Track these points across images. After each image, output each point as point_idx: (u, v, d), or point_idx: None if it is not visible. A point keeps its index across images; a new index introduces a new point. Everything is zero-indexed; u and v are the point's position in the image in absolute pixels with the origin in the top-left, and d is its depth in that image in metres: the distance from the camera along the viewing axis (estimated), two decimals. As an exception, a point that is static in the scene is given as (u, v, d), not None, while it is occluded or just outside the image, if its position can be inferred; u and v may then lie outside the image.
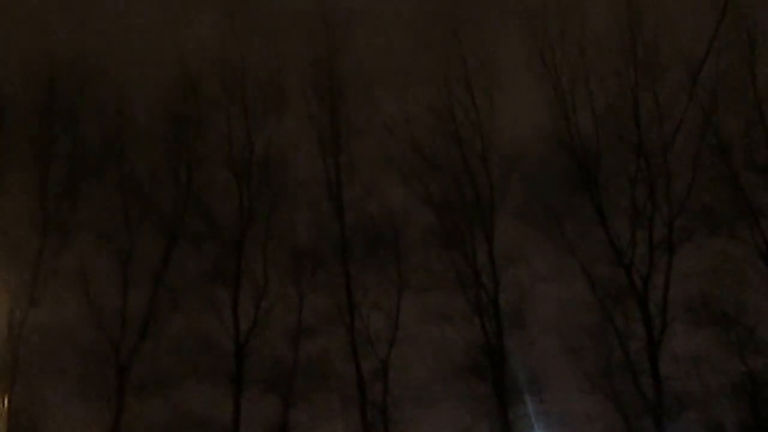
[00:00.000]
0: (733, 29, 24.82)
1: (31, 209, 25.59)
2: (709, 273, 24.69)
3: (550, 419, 26.21)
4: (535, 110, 26.54)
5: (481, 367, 25.95)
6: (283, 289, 26.71)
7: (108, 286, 25.86)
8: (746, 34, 24.93)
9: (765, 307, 24.35)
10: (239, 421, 25.15)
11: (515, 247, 26.48)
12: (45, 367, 24.58)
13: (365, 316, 26.73)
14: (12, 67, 27.09)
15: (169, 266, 26.19)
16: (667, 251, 25.22)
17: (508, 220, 26.89)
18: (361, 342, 26.39)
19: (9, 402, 23.80)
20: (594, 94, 26.50)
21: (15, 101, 26.74)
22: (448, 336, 26.09)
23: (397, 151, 27.70)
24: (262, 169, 27.61)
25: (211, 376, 25.51)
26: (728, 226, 25.05)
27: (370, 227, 27.56)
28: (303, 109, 28.44)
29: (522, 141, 26.82)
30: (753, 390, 24.59)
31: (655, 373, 24.42)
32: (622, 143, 26.13)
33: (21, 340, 24.37)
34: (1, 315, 24.22)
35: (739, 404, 25.12)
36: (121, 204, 26.63)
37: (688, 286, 24.97)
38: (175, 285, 26.22)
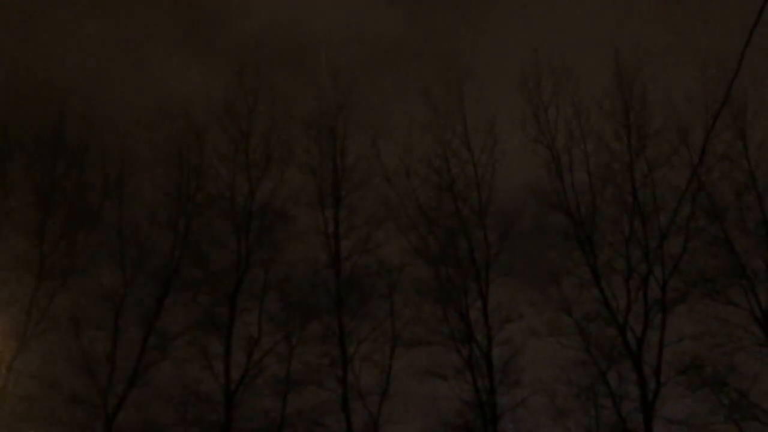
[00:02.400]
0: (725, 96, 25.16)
1: (27, 252, 25.51)
2: (703, 336, 24.66)
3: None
4: (531, 169, 26.90)
5: (473, 424, 25.70)
6: (275, 339, 26.60)
7: (99, 331, 25.71)
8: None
9: (759, 371, 24.21)
10: (226, 474, 24.81)
11: (509, 304, 26.51)
12: (31, 413, 24.21)
13: (357, 370, 26.60)
14: (20, 113, 27.46)
15: (161, 314, 26.03)
16: (660, 312, 25.21)
17: (503, 276, 26.97)
18: (352, 396, 26.18)
19: (-7, 447, 23.43)
20: (588, 155, 26.79)
21: (20, 144, 26.97)
22: (440, 392, 25.98)
23: (396, 203, 27.98)
24: (261, 221, 27.62)
25: (200, 426, 25.25)
26: (722, 290, 25.07)
27: (365, 280, 27.59)
28: (302, 161, 28.71)
29: (518, 198, 27.14)
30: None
31: (649, 434, 24.15)
32: (616, 204, 26.32)
33: (8, 384, 24.01)
34: (-11, 358, 24.03)
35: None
36: (117, 249, 26.57)
37: (681, 349, 24.97)
38: (167, 333, 26.10)
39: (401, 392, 26.37)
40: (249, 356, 26.20)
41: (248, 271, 27.04)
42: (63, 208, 26.52)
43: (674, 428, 24.60)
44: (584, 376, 25.61)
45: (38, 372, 24.56)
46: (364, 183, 28.40)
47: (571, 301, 26.01)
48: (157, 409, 25.35)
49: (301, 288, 27.27)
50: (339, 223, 28.10)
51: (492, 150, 27.96)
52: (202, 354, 25.95)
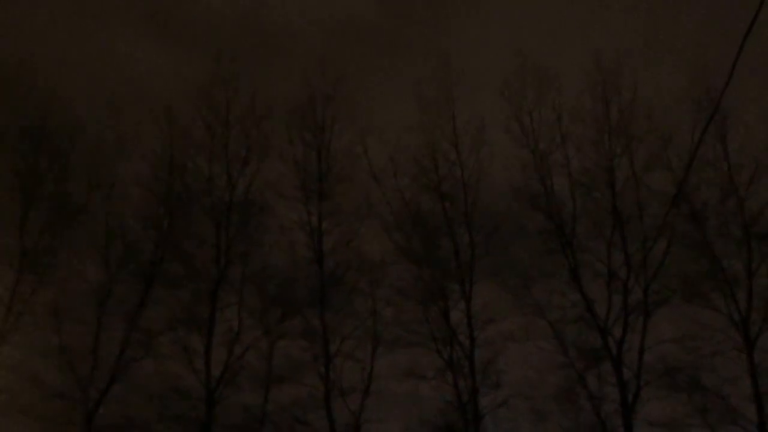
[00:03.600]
0: (705, 101, 25.43)
1: (8, 245, 25.43)
2: (683, 339, 24.87)
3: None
4: (514, 172, 27.02)
5: (454, 425, 25.77)
6: (256, 335, 26.62)
7: (81, 326, 25.65)
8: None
9: (738, 375, 24.42)
10: (206, 470, 24.80)
11: (491, 306, 26.60)
12: (10, 407, 24.10)
13: (339, 367, 26.64)
14: (3, 107, 27.35)
15: (144, 310, 26.01)
16: (641, 316, 25.38)
17: (485, 278, 27.04)
18: (334, 393, 26.22)
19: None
20: (570, 159, 26.99)
21: (4, 137, 26.87)
22: (422, 392, 26.08)
23: (381, 201, 28.01)
24: (241, 214, 27.61)
25: (180, 422, 25.19)
26: (702, 294, 25.29)
27: (348, 277, 27.63)
28: (287, 154, 28.66)
29: (502, 201, 27.26)
30: (724, 459, 24.55)
31: (629, 437, 24.31)
32: (598, 208, 26.48)
33: (-13, 377, 23.99)
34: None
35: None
36: (102, 245, 26.50)
37: (661, 352, 25.17)
38: (149, 328, 26.04)
39: (383, 391, 26.47)
40: (230, 352, 26.19)
41: (229, 266, 27.02)
42: (45, 202, 26.39)
43: (654, 430, 24.82)
44: (564, 378, 25.77)
45: (18, 366, 24.52)
46: (348, 178, 28.38)
47: (552, 304, 26.16)
48: (137, 404, 25.35)
49: (282, 283, 27.24)
50: (322, 217, 28.10)
51: (479, 152, 28.06)
52: (183, 350, 25.90)
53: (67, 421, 24.76)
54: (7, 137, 26.81)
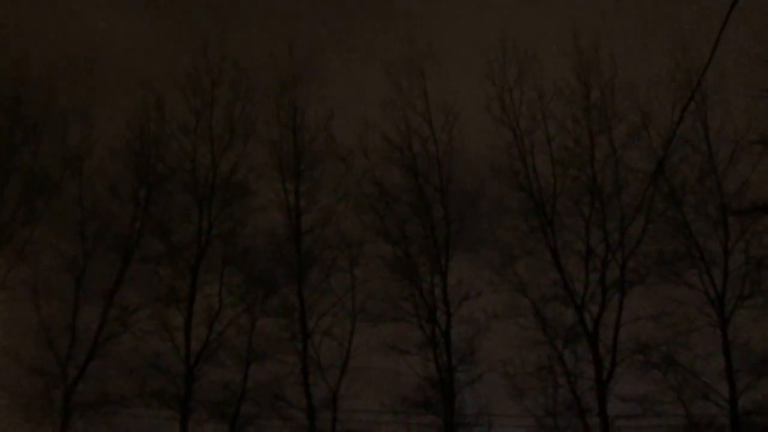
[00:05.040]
0: (687, 80, 25.43)
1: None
2: (659, 317, 25.14)
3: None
4: (494, 150, 26.95)
5: (431, 400, 26.06)
6: (236, 312, 26.69)
7: (59, 302, 25.64)
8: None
9: (712, 352, 24.75)
10: (185, 446, 25.00)
11: (469, 282, 26.73)
12: (-12, 383, 24.18)
13: (317, 343, 26.80)
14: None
15: (122, 286, 25.99)
16: (618, 293, 25.60)
17: (463, 255, 27.15)
18: (313, 369, 26.42)
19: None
20: (550, 137, 26.93)
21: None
22: (400, 367, 26.26)
23: (356, 181, 27.92)
24: (223, 193, 27.54)
25: (159, 397, 25.33)
26: (679, 272, 25.52)
27: (326, 254, 27.68)
28: (263, 134, 28.54)
29: (480, 179, 27.23)
30: (695, 433, 25.02)
31: (603, 412, 24.65)
32: (577, 186, 26.54)
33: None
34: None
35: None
36: (78, 220, 26.37)
37: (637, 329, 25.44)
38: (128, 305, 26.07)
39: (361, 367, 26.71)
40: (210, 328, 26.29)
41: (210, 244, 26.99)
42: (21, 177, 26.16)
43: (628, 406, 25.18)
44: (541, 355, 26.04)
45: (-4, 342, 24.48)
46: (323, 157, 28.31)
47: (530, 282, 26.31)
48: (117, 380, 25.50)
49: (262, 261, 27.27)
50: (300, 196, 28.05)
51: (452, 128, 27.97)
52: (163, 326, 25.98)
53: (46, 397, 24.87)
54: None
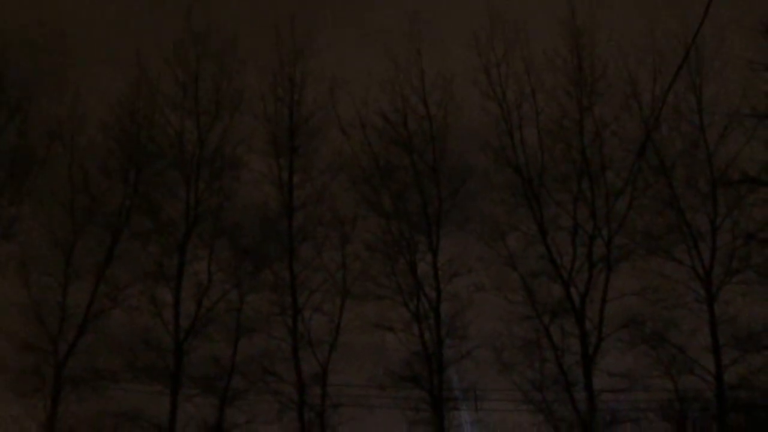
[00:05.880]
0: (678, 51, 25.20)
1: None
2: (646, 292, 25.21)
3: (484, 429, 26.71)
4: (482, 125, 26.84)
5: (419, 375, 26.26)
6: (225, 287, 26.83)
7: (49, 279, 25.78)
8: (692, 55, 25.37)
9: (698, 327, 24.87)
10: (175, 420, 25.30)
11: (458, 258, 26.80)
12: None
13: (307, 319, 26.97)
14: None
15: (111, 262, 26.10)
16: (605, 269, 25.64)
17: (452, 231, 27.17)
18: (302, 345, 26.62)
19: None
20: (538, 111, 26.80)
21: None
22: (389, 343, 26.48)
23: (350, 155, 27.84)
24: (212, 167, 27.53)
25: (149, 373, 25.57)
26: (666, 247, 25.53)
27: (318, 231, 27.74)
28: (257, 109, 28.38)
29: (470, 154, 27.18)
30: (680, 408, 25.22)
31: (589, 386, 24.86)
32: (565, 160, 26.46)
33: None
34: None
35: (667, 421, 25.81)
36: (67, 197, 26.41)
37: (624, 304, 25.51)
38: (117, 281, 26.21)
39: (351, 342, 26.87)
40: (199, 304, 26.45)
41: (198, 219, 27.04)
42: (8, 154, 26.15)
43: (614, 380, 25.33)
44: (529, 330, 26.14)
45: (-14, 318, 24.68)
46: (319, 133, 28.18)
47: (518, 257, 26.34)
48: (107, 356, 25.65)
49: (252, 236, 27.31)
50: (293, 172, 28.00)
51: (447, 105, 27.83)
52: (152, 302, 26.15)
53: (36, 373, 25.11)
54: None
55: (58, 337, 25.26)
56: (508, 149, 26.70)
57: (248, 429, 26.25)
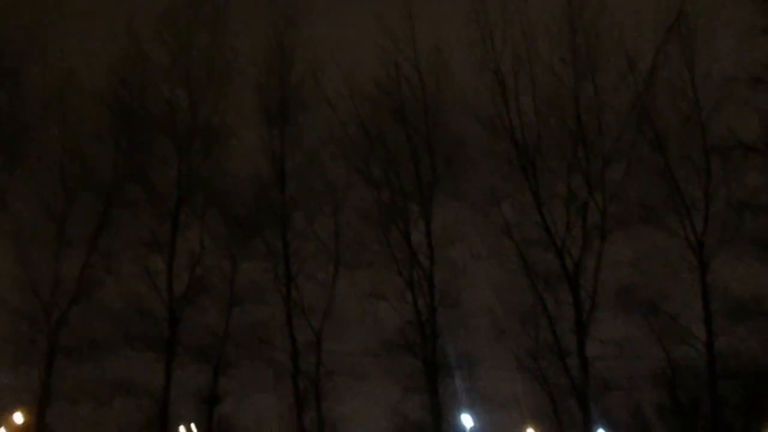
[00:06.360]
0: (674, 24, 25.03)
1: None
2: (639, 261, 25.26)
3: (478, 396, 26.90)
4: (479, 93, 26.66)
5: (413, 343, 26.39)
6: (218, 257, 26.82)
7: (42, 248, 25.66)
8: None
9: (690, 297, 24.98)
10: (170, 388, 25.38)
11: (452, 226, 26.80)
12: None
13: (301, 288, 26.98)
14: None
15: (104, 231, 26.01)
16: (599, 237, 25.69)
17: (446, 199, 27.13)
18: (296, 313, 26.67)
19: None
20: (534, 80, 26.59)
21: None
22: (382, 312, 26.54)
23: (341, 126, 27.65)
24: (203, 137, 27.35)
25: (143, 341, 25.61)
26: (660, 217, 25.56)
27: (311, 200, 27.65)
28: (249, 80, 28.20)
29: (464, 123, 27.01)
30: (672, 375, 25.45)
31: (582, 354, 25.01)
32: (561, 129, 26.36)
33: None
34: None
35: (658, 389, 26.06)
36: (58, 166, 26.22)
37: (617, 273, 25.57)
38: (110, 250, 26.10)
39: (345, 311, 26.97)
40: (192, 272, 26.44)
41: (190, 188, 26.94)
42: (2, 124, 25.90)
43: (607, 348, 25.48)
44: (523, 298, 26.23)
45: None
46: (311, 103, 27.95)
47: (512, 226, 26.32)
48: (100, 325, 25.62)
49: (243, 205, 27.25)
50: (284, 141, 27.85)
51: (440, 74, 27.59)
52: (145, 271, 26.11)
53: (30, 341, 25.10)
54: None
55: (51, 306, 25.17)
56: (503, 117, 26.51)
57: (242, 397, 26.38)
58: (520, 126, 26.50)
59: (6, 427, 26.32)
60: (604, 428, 26.34)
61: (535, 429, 29.04)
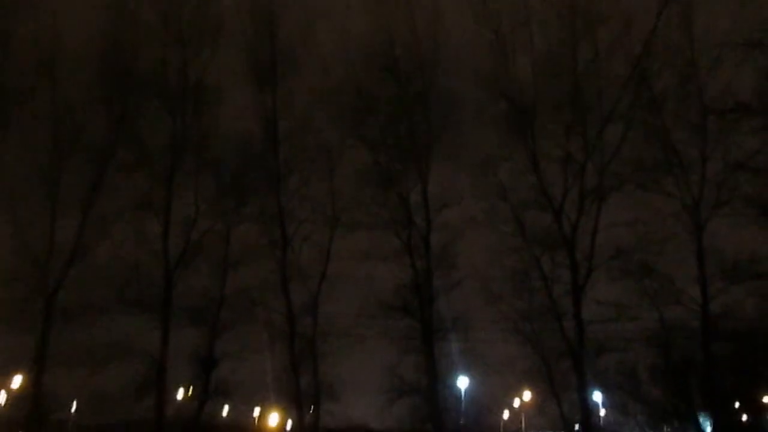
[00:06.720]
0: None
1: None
2: (635, 224, 25.23)
3: (473, 358, 27.10)
4: (476, 54, 26.36)
5: (409, 305, 26.46)
6: (213, 219, 26.69)
7: (36, 212, 25.51)
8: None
9: (685, 258, 24.99)
10: (167, 350, 25.41)
11: (449, 188, 26.74)
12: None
13: (297, 250, 26.93)
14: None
15: (98, 194, 25.83)
16: (596, 199, 25.62)
17: (443, 162, 27.00)
18: (292, 275, 26.65)
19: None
20: (533, 40, 26.31)
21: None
22: (378, 273, 26.56)
23: (335, 86, 27.25)
24: (195, 98, 27.04)
25: (139, 304, 25.56)
26: (656, 180, 25.47)
27: (306, 161, 27.48)
28: (240, 41, 27.77)
29: (462, 84, 26.78)
30: (666, 336, 25.56)
31: (578, 315, 25.11)
32: (558, 91, 26.11)
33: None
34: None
35: (652, 350, 26.19)
36: (51, 129, 25.92)
37: (614, 236, 25.55)
38: (105, 213, 25.98)
39: (341, 273, 26.99)
40: (187, 235, 26.36)
41: (184, 151, 26.69)
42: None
43: (603, 310, 25.55)
44: (519, 261, 26.26)
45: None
46: (302, 64, 27.61)
47: (509, 188, 26.27)
48: (96, 288, 25.52)
49: (237, 168, 27.07)
50: (276, 102, 27.59)
51: (436, 32, 27.23)
52: (141, 234, 25.99)
53: (27, 305, 25.04)
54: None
55: (47, 269, 25.06)
56: (501, 78, 26.25)
57: (239, 359, 26.46)
58: (518, 86, 26.26)
59: (4, 391, 26.49)
60: (599, 389, 26.63)
61: (529, 390, 29.44)
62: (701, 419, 24.50)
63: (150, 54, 27.13)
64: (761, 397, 26.12)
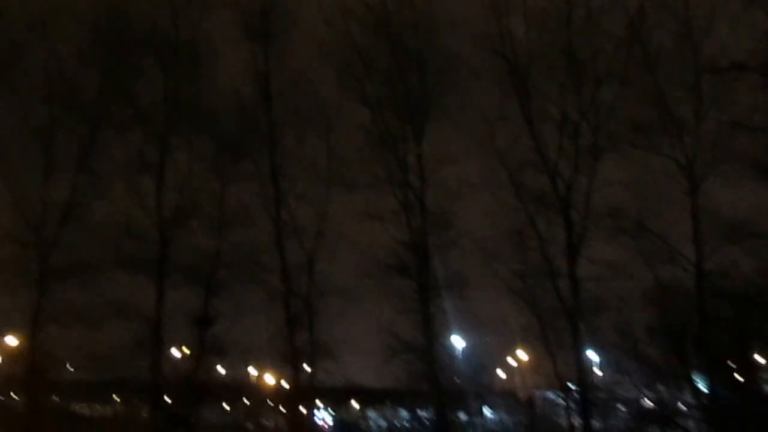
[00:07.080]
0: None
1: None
2: (630, 184, 25.21)
3: (469, 318, 27.14)
4: (471, 12, 26.22)
5: (405, 264, 26.48)
6: (207, 178, 26.61)
7: (30, 170, 25.36)
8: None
9: (680, 219, 25.01)
10: (162, 308, 25.41)
11: (444, 148, 26.64)
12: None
13: (292, 208, 26.88)
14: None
15: (92, 153, 25.70)
16: (592, 158, 25.60)
17: (440, 122, 26.90)
18: (288, 234, 26.61)
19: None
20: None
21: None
22: (375, 233, 26.50)
23: (331, 44, 27.06)
24: (187, 54, 26.85)
25: (134, 263, 25.50)
26: (651, 139, 25.43)
27: (301, 119, 27.35)
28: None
29: (456, 44, 26.63)
30: (662, 296, 25.60)
31: (573, 275, 25.20)
32: (552, 50, 26.02)
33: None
34: None
35: (648, 309, 26.26)
36: (44, 88, 25.75)
37: (609, 195, 25.55)
38: (99, 172, 25.86)
39: (336, 233, 26.96)
40: (181, 193, 26.31)
41: (177, 109, 26.53)
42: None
43: (597, 269, 25.58)
44: (514, 220, 26.23)
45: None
46: (295, 18, 27.47)
47: (505, 148, 26.18)
48: (91, 247, 25.45)
49: (231, 125, 26.97)
50: (268, 58, 27.39)
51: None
52: (135, 193, 25.89)
53: (21, 264, 24.98)
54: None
55: (41, 228, 24.98)
56: (495, 36, 26.12)
57: (235, 318, 26.46)
58: (513, 46, 26.14)
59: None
60: (593, 349, 26.71)
61: (524, 350, 29.51)
62: (696, 378, 24.59)
63: (142, 10, 26.84)
64: (755, 357, 26.21)
